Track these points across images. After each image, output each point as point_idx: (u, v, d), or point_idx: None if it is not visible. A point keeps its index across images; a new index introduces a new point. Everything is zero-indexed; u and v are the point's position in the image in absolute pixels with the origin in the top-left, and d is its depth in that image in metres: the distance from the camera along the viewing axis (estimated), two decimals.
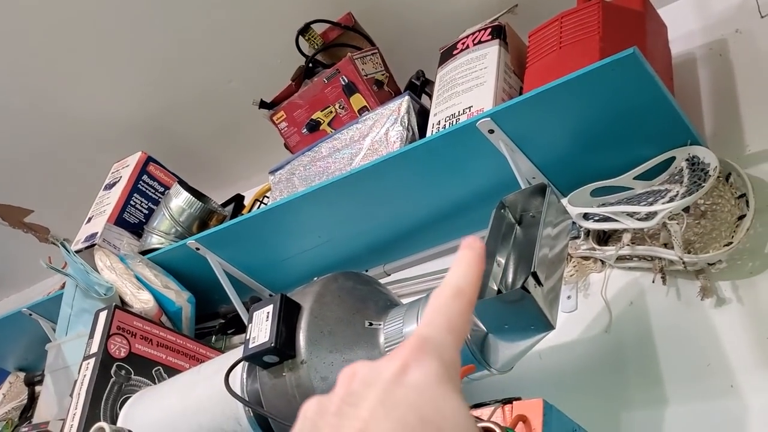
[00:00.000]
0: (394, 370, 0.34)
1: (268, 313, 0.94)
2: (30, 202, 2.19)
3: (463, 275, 0.38)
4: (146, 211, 1.63)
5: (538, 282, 0.79)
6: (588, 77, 0.96)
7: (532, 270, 0.79)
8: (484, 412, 0.69)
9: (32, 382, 1.80)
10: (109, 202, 1.62)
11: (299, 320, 0.93)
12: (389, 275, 1.37)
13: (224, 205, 1.70)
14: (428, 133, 1.16)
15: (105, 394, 1.21)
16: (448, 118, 1.14)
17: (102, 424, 0.85)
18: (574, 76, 0.96)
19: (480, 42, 1.20)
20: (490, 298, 0.82)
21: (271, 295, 1.51)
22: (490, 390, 0.89)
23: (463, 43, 1.23)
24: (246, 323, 1.42)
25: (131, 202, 1.62)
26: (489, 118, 1.03)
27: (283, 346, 0.90)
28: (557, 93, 0.99)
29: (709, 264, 0.99)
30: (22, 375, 2.04)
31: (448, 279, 0.38)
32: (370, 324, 0.98)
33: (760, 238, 0.98)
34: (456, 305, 0.37)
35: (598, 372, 1.04)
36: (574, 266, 1.12)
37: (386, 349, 0.94)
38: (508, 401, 0.71)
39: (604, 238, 1.10)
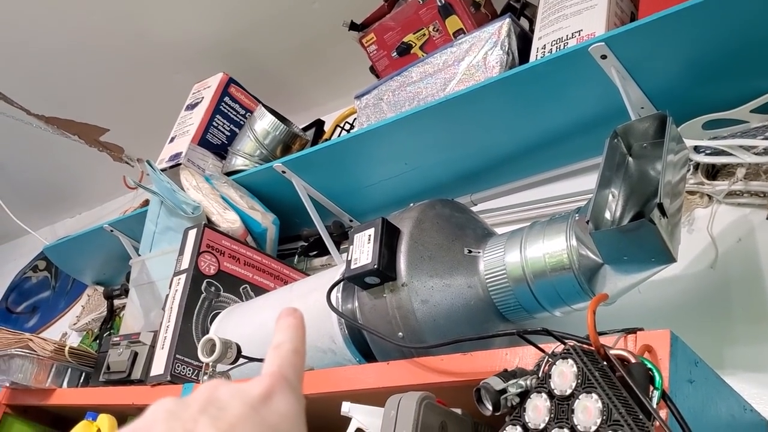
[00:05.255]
0: (261, 391, 0.38)
1: (369, 235, 0.94)
2: (105, 121, 2.21)
3: (297, 338, 0.43)
4: (228, 133, 1.63)
5: (663, 213, 0.76)
6: (714, 2, 0.91)
7: (658, 201, 0.76)
8: (607, 340, 0.68)
9: (111, 295, 1.85)
10: (192, 122, 1.62)
11: (399, 244, 0.93)
12: (476, 205, 1.35)
13: (305, 129, 1.69)
14: (531, 58, 1.12)
15: (196, 309, 1.23)
16: (554, 42, 1.10)
17: (212, 335, 0.87)
18: (700, 1, 0.91)
19: None
20: (610, 229, 0.80)
21: (351, 221, 1.51)
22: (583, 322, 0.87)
23: None
24: (328, 246, 1.44)
25: (214, 123, 1.62)
26: (603, 43, 0.99)
27: (385, 269, 0.90)
28: (679, 19, 0.94)
29: None
30: (100, 289, 2.11)
31: (283, 338, 0.43)
32: (470, 251, 0.97)
33: None
34: (297, 360, 0.42)
35: (701, 307, 1.02)
36: None
37: (486, 277, 0.93)
38: (632, 331, 0.69)
39: (713, 172, 1.07)
